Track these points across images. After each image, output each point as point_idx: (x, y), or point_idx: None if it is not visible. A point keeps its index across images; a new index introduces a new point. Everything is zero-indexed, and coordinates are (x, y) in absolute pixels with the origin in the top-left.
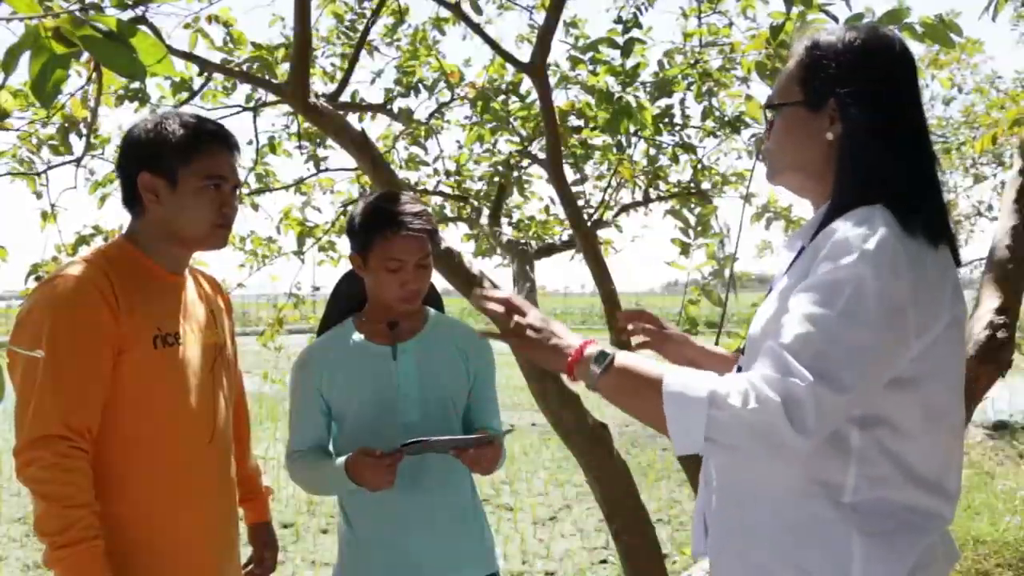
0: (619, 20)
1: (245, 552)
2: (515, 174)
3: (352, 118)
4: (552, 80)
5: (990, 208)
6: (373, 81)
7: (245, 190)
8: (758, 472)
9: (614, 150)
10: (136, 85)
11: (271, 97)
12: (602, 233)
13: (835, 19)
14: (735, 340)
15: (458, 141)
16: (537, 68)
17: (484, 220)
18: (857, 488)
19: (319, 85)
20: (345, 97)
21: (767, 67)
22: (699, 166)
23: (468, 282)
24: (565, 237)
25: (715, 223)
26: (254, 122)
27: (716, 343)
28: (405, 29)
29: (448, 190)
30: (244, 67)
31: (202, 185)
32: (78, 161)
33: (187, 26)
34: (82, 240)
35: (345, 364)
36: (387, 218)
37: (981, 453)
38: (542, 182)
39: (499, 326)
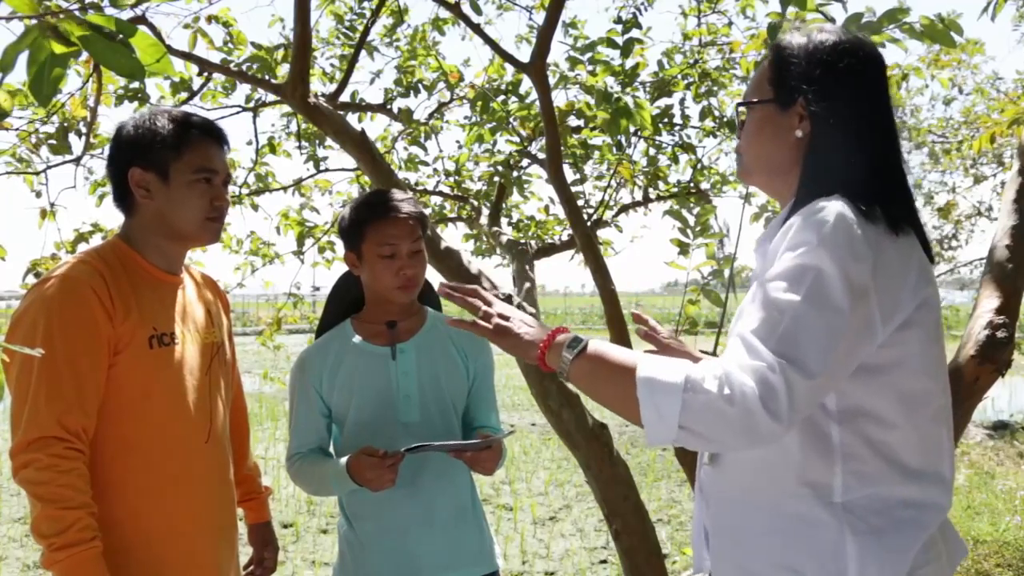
0: (618, 20)
1: (245, 553)
2: (515, 174)
3: (352, 118)
4: (551, 80)
5: (990, 209)
6: (372, 81)
7: (245, 190)
8: (749, 478)
9: (613, 150)
10: (135, 85)
11: (271, 97)
12: (602, 233)
13: (832, 20)
14: None
15: (458, 141)
16: (537, 68)
17: (484, 220)
18: (846, 486)
19: (318, 85)
20: (345, 97)
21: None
22: (698, 166)
23: (468, 282)
24: (565, 237)
25: (714, 223)
26: (253, 122)
27: (716, 343)
28: (404, 29)
29: (447, 190)
30: (244, 67)
31: (193, 178)
32: (77, 160)
33: (187, 26)
34: (81, 237)
35: (344, 365)
36: (377, 206)
37: (981, 453)
38: (542, 182)
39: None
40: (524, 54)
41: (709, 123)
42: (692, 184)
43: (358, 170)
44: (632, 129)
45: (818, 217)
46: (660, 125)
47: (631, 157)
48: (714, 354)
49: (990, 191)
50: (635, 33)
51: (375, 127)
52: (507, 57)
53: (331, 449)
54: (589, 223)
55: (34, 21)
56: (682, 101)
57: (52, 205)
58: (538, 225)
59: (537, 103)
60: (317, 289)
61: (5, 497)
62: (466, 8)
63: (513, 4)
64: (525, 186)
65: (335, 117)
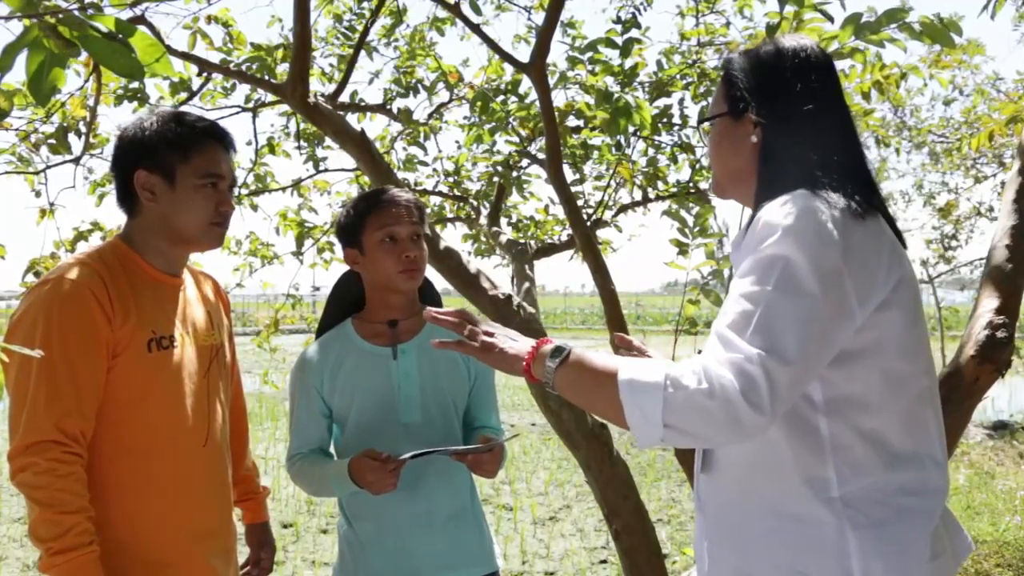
0: (618, 20)
1: (244, 553)
2: (514, 174)
3: (351, 118)
4: (550, 80)
5: (991, 209)
6: (371, 81)
7: (244, 190)
8: (745, 481)
9: (613, 150)
10: (135, 85)
11: (270, 97)
12: (601, 233)
13: (831, 19)
14: None
15: (457, 141)
16: (536, 68)
17: (483, 220)
18: (841, 479)
19: (317, 85)
20: (344, 97)
21: None
22: (697, 166)
23: (468, 282)
24: (564, 237)
25: (713, 223)
26: (253, 122)
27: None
28: (403, 29)
29: (447, 190)
30: (243, 67)
31: (199, 183)
32: (77, 160)
33: (186, 26)
34: (80, 236)
35: (345, 365)
36: (373, 196)
37: (981, 453)
38: (541, 182)
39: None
40: (522, 54)
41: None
42: (691, 184)
43: (357, 170)
44: (631, 129)
45: (783, 208)
46: (659, 125)
47: (630, 157)
48: None
49: (990, 191)
50: (634, 33)
51: (374, 127)
52: (507, 57)
53: (332, 449)
54: (589, 223)
55: (33, 21)
56: (681, 101)
57: (52, 204)
58: (537, 225)
59: (536, 103)
60: (317, 290)
61: (5, 497)
62: (465, 8)
63: (512, 4)
64: (525, 186)
65: (334, 117)
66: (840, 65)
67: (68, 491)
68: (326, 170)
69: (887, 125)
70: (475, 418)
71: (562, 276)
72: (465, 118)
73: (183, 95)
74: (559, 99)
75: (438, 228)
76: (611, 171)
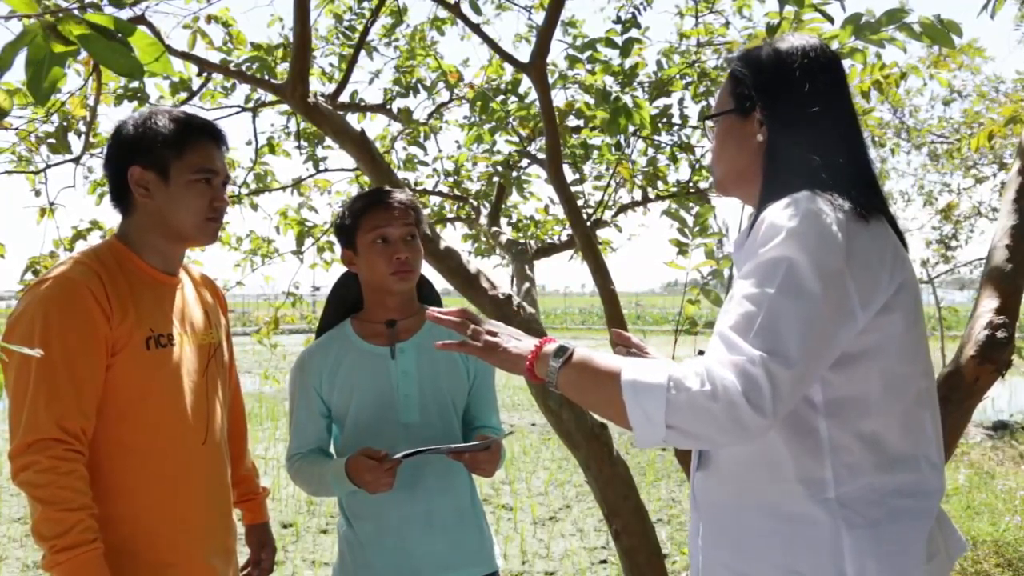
0: (618, 20)
1: (244, 553)
2: (514, 174)
3: (351, 118)
4: (550, 80)
5: (992, 209)
6: (371, 81)
7: (244, 190)
8: (740, 480)
9: (612, 150)
10: (135, 84)
11: (270, 97)
12: (601, 233)
13: (830, 19)
14: None
15: (457, 141)
16: (536, 68)
17: (483, 220)
18: (838, 480)
19: (317, 85)
20: (344, 97)
21: None
22: (697, 166)
23: (467, 282)
24: (564, 237)
25: (713, 223)
26: (253, 122)
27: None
28: (403, 29)
29: (447, 190)
30: (243, 67)
31: (193, 178)
32: (77, 160)
33: (186, 26)
34: (80, 235)
35: (344, 365)
36: (367, 196)
37: (981, 453)
38: (541, 182)
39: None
40: (522, 53)
41: (708, 123)
42: (691, 184)
43: (357, 170)
44: (631, 129)
45: (787, 210)
46: (659, 125)
47: (630, 157)
48: None
49: (990, 191)
50: (634, 33)
51: (374, 127)
52: (507, 57)
53: (331, 449)
54: (589, 223)
55: (33, 20)
56: (681, 101)
57: (51, 204)
58: (537, 225)
59: (536, 103)
60: (317, 289)
61: (5, 497)
62: (465, 8)
63: (512, 4)
64: (525, 186)
65: (334, 117)
66: None
67: (70, 488)
68: (326, 170)
69: (886, 126)
70: (475, 418)
71: (562, 276)
72: (465, 118)
73: (183, 95)
74: (559, 99)
75: (438, 228)
76: (611, 171)
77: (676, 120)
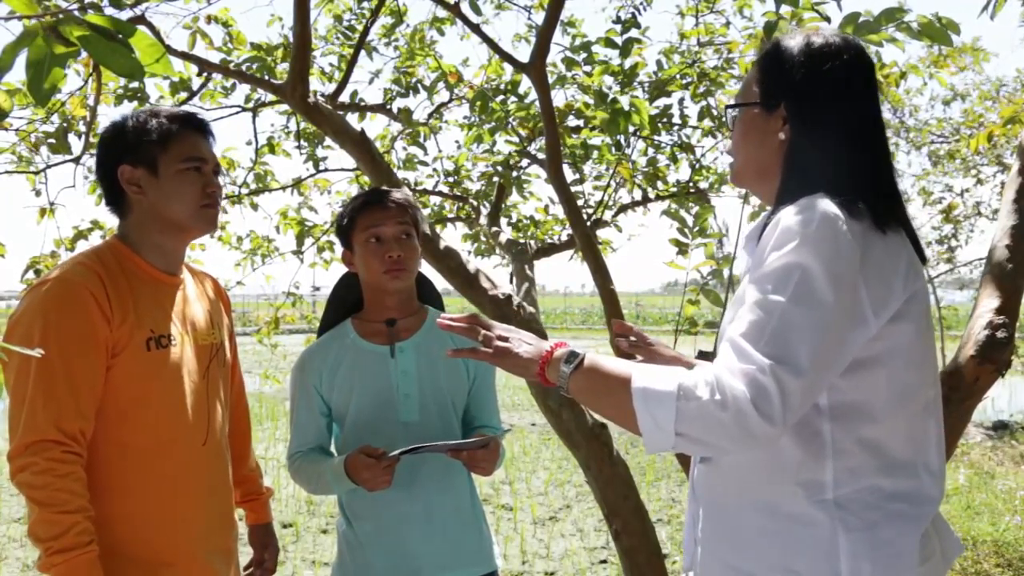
0: (617, 20)
1: (245, 553)
2: (514, 174)
3: (351, 118)
4: (549, 80)
5: (994, 212)
6: (371, 81)
7: (244, 190)
8: (740, 478)
9: (612, 150)
10: (135, 84)
11: (270, 97)
12: (601, 233)
13: (827, 19)
14: None
15: (457, 141)
16: (536, 68)
17: (483, 220)
18: (838, 482)
19: (317, 85)
20: (344, 97)
21: None
22: (696, 165)
23: (467, 282)
24: (564, 237)
25: (713, 223)
26: (253, 122)
27: (716, 343)
28: (403, 29)
29: (447, 190)
30: (243, 67)
31: (183, 167)
32: (77, 160)
33: (186, 26)
34: (80, 235)
35: (344, 364)
36: (363, 196)
37: (981, 453)
38: (541, 182)
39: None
40: (521, 53)
41: (707, 123)
42: (691, 184)
43: (357, 170)
44: (631, 129)
45: (803, 215)
46: (659, 125)
47: (630, 157)
48: (714, 354)
49: (990, 191)
50: (634, 33)
51: (374, 127)
52: (506, 57)
53: (332, 448)
54: (589, 223)
55: (33, 21)
56: (681, 101)
57: (52, 204)
58: (537, 225)
59: (536, 103)
60: (317, 289)
61: (5, 497)
62: (465, 8)
63: (512, 4)
64: (524, 186)
65: (334, 117)
66: None
67: (67, 491)
68: (326, 170)
69: (886, 126)
70: (475, 418)
71: (562, 276)
72: (465, 118)
73: (183, 95)
74: (559, 99)
75: (438, 228)
76: (611, 171)
77: (676, 120)
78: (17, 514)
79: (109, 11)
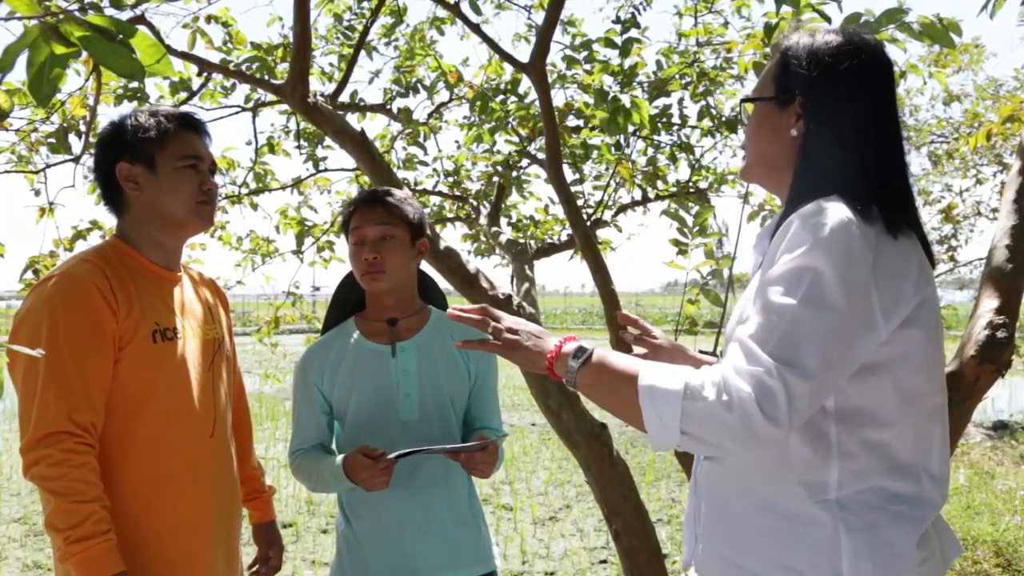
0: (617, 20)
1: (247, 553)
2: (514, 174)
3: (351, 118)
4: (549, 79)
5: (992, 209)
6: (371, 81)
7: (244, 190)
8: (744, 476)
9: (612, 150)
10: (135, 84)
11: (270, 97)
12: (601, 233)
13: (828, 19)
14: None
15: (457, 141)
16: (536, 68)
17: (483, 220)
18: (841, 483)
19: (317, 85)
20: (344, 97)
21: (764, 67)
22: (696, 165)
23: (467, 282)
24: (564, 237)
25: (713, 223)
26: (253, 122)
27: (716, 343)
28: (403, 28)
29: (446, 190)
30: (243, 67)
31: (180, 165)
32: (77, 160)
33: (186, 26)
34: (79, 235)
35: (345, 363)
36: (356, 197)
37: (981, 453)
38: (541, 182)
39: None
40: (520, 53)
41: (707, 123)
42: (690, 184)
43: (357, 170)
44: (631, 129)
45: (816, 219)
46: (659, 125)
47: (630, 157)
48: (714, 353)
49: (990, 191)
50: (633, 33)
51: (374, 126)
52: (506, 57)
53: (333, 446)
54: (588, 223)
55: (34, 22)
56: (680, 101)
57: (51, 204)
58: (537, 225)
59: (536, 103)
60: (317, 289)
61: (5, 497)
62: (465, 7)
63: (511, 3)
64: (524, 186)
65: (334, 117)
66: None
67: (83, 480)
68: (326, 170)
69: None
70: (475, 419)
71: (562, 276)
72: (465, 118)
73: (183, 95)
74: (558, 98)
75: (438, 228)
76: (611, 171)
77: (676, 120)
78: (17, 514)
79: (109, 11)
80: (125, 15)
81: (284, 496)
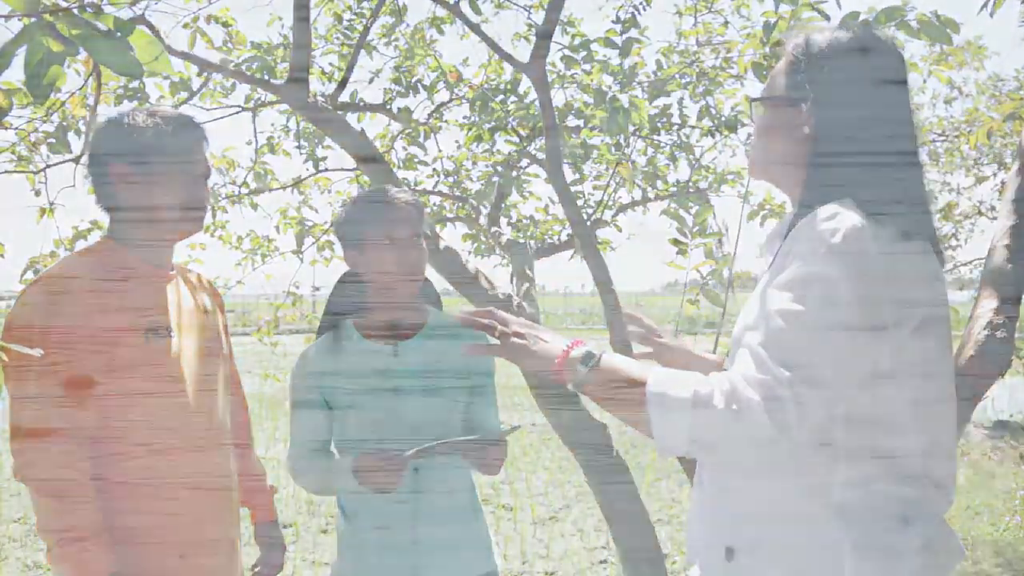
0: (617, 20)
1: (249, 553)
2: (514, 174)
3: (351, 118)
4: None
5: (992, 209)
6: (371, 81)
7: (244, 189)
8: (748, 477)
9: (612, 150)
10: (135, 84)
11: (270, 97)
12: (600, 233)
13: (827, 18)
14: None
15: (457, 141)
16: (536, 67)
17: (483, 220)
18: (845, 487)
19: (317, 84)
20: (344, 97)
21: (764, 67)
22: (696, 165)
23: (467, 282)
24: (564, 237)
25: (713, 222)
26: (253, 122)
27: (716, 343)
28: (403, 28)
29: (447, 190)
30: (243, 67)
31: (173, 167)
32: (77, 159)
33: (186, 26)
34: (80, 235)
35: (345, 363)
36: (376, 199)
37: (981, 453)
38: (541, 181)
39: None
40: (520, 53)
41: (707, 123)
42: (690, 184)
43: (357, 170)
44: (631, 129)
45: (828, 225)
46: (658, 125)
47: (630, 157)
48: (714, 353)
49: (990, 191)
50: (633, 32)
51: (373, 127)
52: (506, 57)
53: (332, 447)
54: (588, 223)
55: (33, 19)
56: (680, 101)
57: (51, 204)
58: (537, 225)
59: (536, 103)
60: (317, 289)
61: (5, 497)
62: (465, 7)
63: (511, 3)
64: (524, 186)
65: (335, 117)
66: None
67: (73, 482)
68: (326, 169)
69: None
70: (476, 418)
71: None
72: (465, 118)
73: (183, 95)
74: (558, 98)
75: (438, 228)
76: (611, 171)
77: (675, 120)
78: (17, 514)
79: (108, 10)
80: (124, 14)
81: (284, 496)
